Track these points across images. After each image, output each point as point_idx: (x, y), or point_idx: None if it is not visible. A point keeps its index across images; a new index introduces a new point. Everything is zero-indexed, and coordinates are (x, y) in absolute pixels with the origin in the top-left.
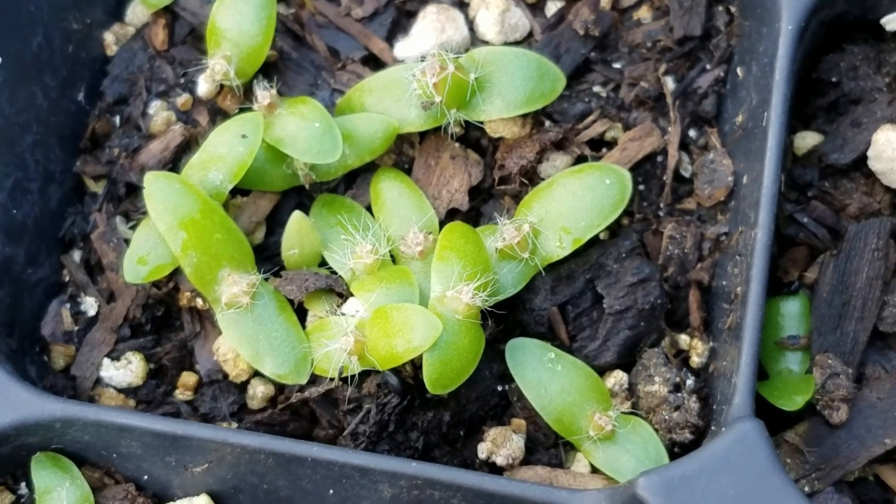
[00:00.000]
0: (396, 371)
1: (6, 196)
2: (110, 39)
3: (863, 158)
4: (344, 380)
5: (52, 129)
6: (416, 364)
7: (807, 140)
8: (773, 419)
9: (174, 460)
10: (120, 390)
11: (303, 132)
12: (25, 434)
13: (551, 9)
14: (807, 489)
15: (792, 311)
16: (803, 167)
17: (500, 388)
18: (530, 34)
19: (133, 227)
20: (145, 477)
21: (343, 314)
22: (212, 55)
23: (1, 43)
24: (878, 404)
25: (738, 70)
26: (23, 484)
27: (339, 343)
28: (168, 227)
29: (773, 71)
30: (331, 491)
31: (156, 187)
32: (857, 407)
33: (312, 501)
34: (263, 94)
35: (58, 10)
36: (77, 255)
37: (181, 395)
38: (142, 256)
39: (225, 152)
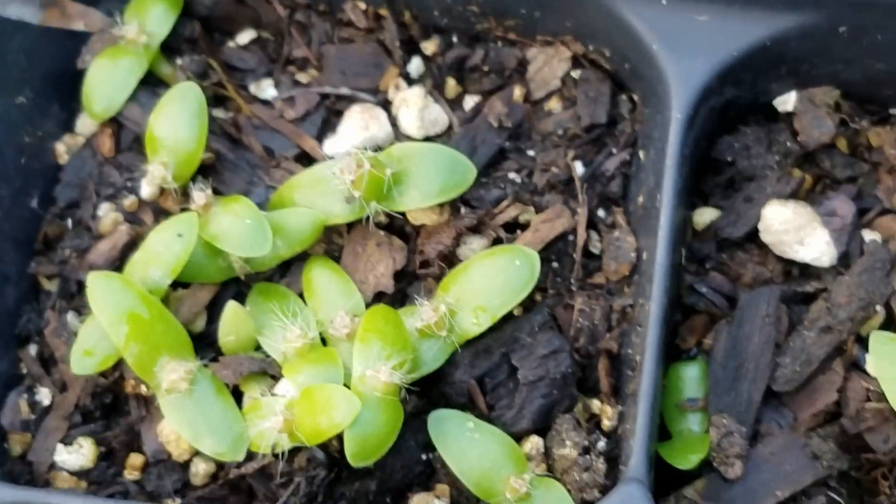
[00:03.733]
0: (323, 446)
1: None
2: (62, 149)
3: (755, 231)
4: (276, 455)
5: (6, 234)
6: (341, 438)
7: (705, 216)
8: (675, 477)
9: None
10: (73, 473)
11: (235, 228)
12: None
13: (469, 103)
14: None
15: (691, 375)
16: (701, 241)
17: (424, 457)
18: (449, 127)
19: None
20: None
21: (275, 395)
22: (151, 161)
23: None
24: (772, 459)
25: (641, 153)
26: None
27: (269, 422)
28: (110, 322)
29: (665, 156)
30: None
31: (97, 286)
32: (751, 462)
33: None
34: (199, 195)
35: (11, 126)
36: (33, 350)
37: (129, 475)
38: (88, 349)
39: (163, 250)
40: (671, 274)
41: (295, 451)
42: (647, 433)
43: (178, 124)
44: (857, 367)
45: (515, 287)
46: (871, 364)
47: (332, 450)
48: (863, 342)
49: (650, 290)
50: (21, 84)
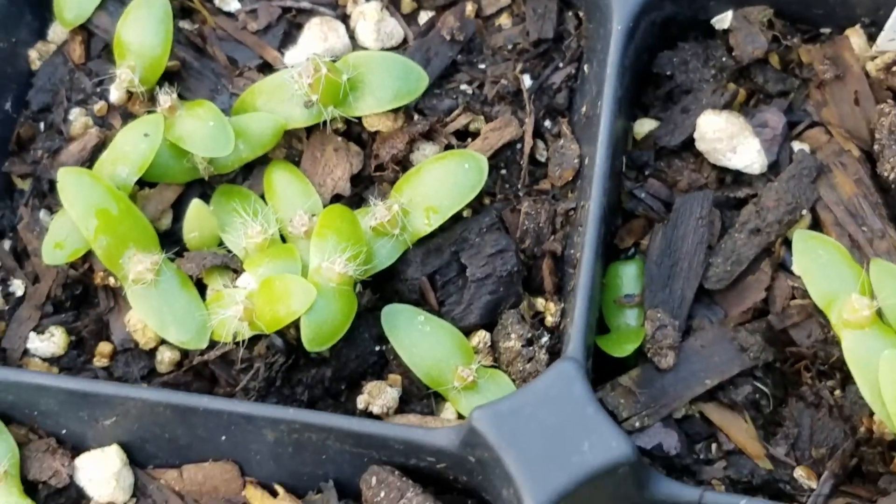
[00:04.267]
0: (281, 333)
1: None
2: (34, 56)
3: (691, 140)
4: (237, 343)
5: None
6: (298, 327)
7: (644, 126)
8: (612, 369)
9: (86, 415)
10: (44, 359)
11: (199, 130)
12: None
13: (423, 18)
14: (637, 424)
15: (629, 273)
16: (641, 150)
17: (377, 349)
18: (405, 41)
19: None
20: (63, 431)
21: (237, 287)
22: (119, 66)
23: None
24: (702, 351)
25: (585, 67)
26: None
27: (231, 311)
28: (80, 215)
29: (606, 66)
30: (223, 437)
31: (68, 180)
32: (683, 354)
33: (209, 447)
34: (164, 98)
35: None
36: (7, 245)
37: (98, 362)
38: (59, 241)
39: (130, 149)
40: (609, 176)
41: (255, 340)
42: (584, 322)
43: (144, 30)
44: (784, 268)
45: (464, 189)
46: (795, 261)
47: (290, 338)
48: (789, 245)
49: (590, 191)
50: None
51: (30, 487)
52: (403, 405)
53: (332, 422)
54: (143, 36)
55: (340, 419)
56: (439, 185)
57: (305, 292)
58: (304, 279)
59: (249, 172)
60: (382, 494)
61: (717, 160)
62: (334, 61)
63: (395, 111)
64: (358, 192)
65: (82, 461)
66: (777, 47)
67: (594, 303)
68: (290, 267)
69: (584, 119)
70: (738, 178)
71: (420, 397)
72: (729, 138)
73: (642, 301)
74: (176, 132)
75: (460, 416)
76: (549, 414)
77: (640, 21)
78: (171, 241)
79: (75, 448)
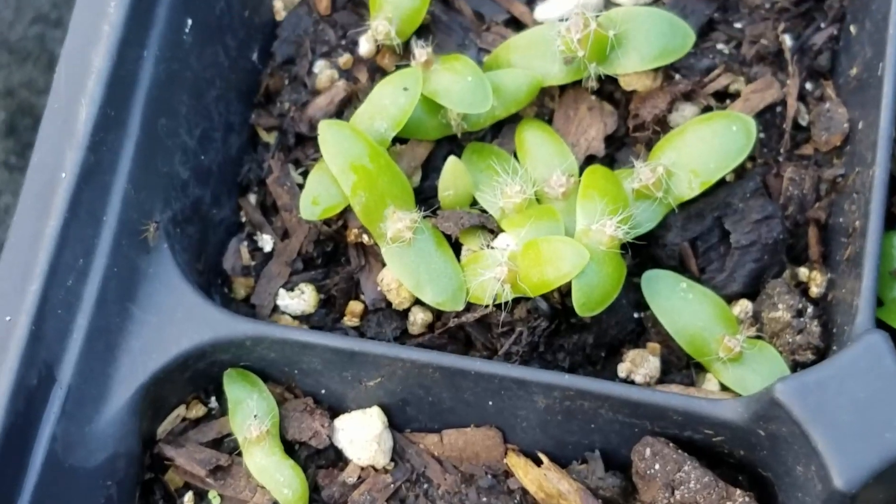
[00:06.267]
0: (546, 297)
1: (196, 143)
2: (279, 6)
3: None
4: (497, 306)
5: (231, 84)
6: (562, 292)
7: None
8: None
9: (350, 375)
10: (294, 317)
11: (457, 85)
12: (219, 351)
13: None
14: None
15: None
16: None
17: (636, 316)
18: None
19: (303, 174)
20: (322, 391)
21: (494, 248)
22: (374, 17)
23: (191, 7)
24: None
25: (852, 28)
26: (213, 398)
27: (493, 272)
28: (340, 170)
29: (888, 25)
30: (490, 402)
31: (329, 133)
32: None
33: (473, 412)
34: (421, 51)
35: None
36: (253, 198)
37: (349, 321)
38: (315, 197)
39: (388, 103)
40: (892, 142)
41: (515, 303)
42: (872, 293)
43: None
44: None
45: (731, 152)
46: None
47: (554, 301)
48: None
49: (871, 157)
50: None
51: (287, 447)
52: (662, 375)
53: (609, 390)
54: None
55: (619, 387)
56: (704, 147)
57: (578, 255)
58: (575, 241)
59: (499, 130)
60: (658, 466)
61: None
62: (597, 16)
63: (655, 70)
64: (610, 154)
65: (342, 422)
66: None
67: (878, 268)
68: (552, 228)
69: (854, 82)
70: None
71: (679, 367)
72: None
73: None
74: (432, 86)
75: (723, 388)
76: (858, 388)
77: None
78: (420, 199)
79: (332, 408)
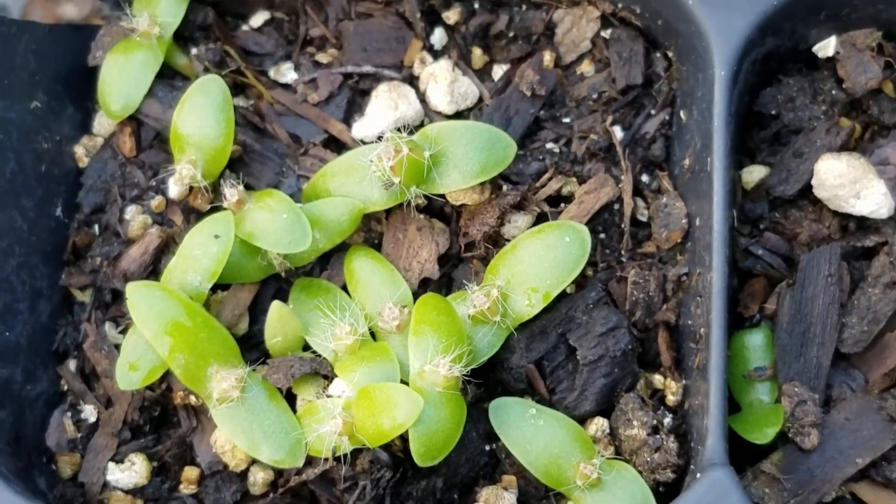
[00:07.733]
0: (386, 446)
1: None
2: (81, 152)
3: (808, 187)
4: (338, 459)
5: (34, 247)
6: (404, 437)
7: (754, 174)
8: (749, 449)
9: None
10: (127, 492)
11: (272, 224)
12: None
13: (497, 72)
14: None
15: (756, 343)
16: (753, 201)
17: (488, 448)
18: (480, 100)
19: (123, 332)
20: None
21: (330, 396)
22: (178, 160)
23: None
24: (847, 425)
25: (682, 113)
26: None
27: (328, 426)
28: (154, 334)
29: (712, 116)
30: None
31: (138, 296)
32: (827, 430)
33: None
34: (231, 191)
35: (27, 133)
36: (72, 365)
37: (186, 489)
38: (132, 363)
39: (200, 254)
40: (729, 240)
41: (356, 454)
42: (722, 411)
43: (203, 120)
44: None
45: (567, 265)
46: None
47: (395, 449)
48: None
49: (709, 258)
50: (33, 88)
51: None
52: None
53: None
54: (202, 126)
55: None
56: (539, 262)
57: (411, 402)
58: (407, 387)
59: (327, 261)
60: None
61: (839, 207)
62: (411, 133)
63: (482, 183)
64: (446, 272)
65: None
66: (890, 74)
67: (726, 384)
68: (387, 370)
69: (687, 173)
70: (863, 224)
71: (538, 498)
72: (852, 183)
73: (775, 373)
74: (246, 228)
75: None
76: None
77: (742, 62)
78: (249, 345)
79: None
